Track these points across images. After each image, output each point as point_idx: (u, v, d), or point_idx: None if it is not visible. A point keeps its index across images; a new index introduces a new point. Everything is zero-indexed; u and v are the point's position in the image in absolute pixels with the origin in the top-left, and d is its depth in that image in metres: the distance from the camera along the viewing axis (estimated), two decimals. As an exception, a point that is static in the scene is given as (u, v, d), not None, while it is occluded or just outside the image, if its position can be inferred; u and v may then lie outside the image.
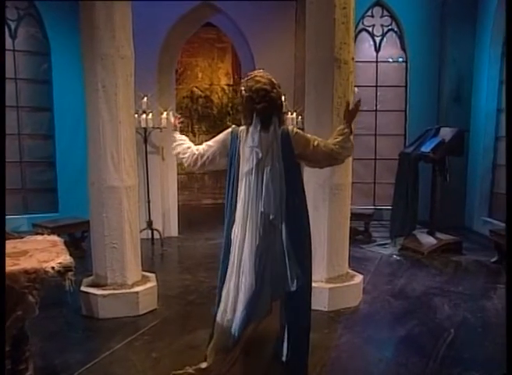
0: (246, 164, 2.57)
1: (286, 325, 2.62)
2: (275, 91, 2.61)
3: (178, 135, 2.94)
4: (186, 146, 2.85)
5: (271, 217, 2.52)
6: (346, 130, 2.72)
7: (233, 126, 2.74)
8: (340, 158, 2.75)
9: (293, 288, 2.56)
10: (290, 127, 2.73)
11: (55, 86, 7.01)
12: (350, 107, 2.81)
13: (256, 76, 2.65)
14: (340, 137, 2.72)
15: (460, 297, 4.48)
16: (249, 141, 2.58)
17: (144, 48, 5.55)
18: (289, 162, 2.59)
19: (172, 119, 3.03)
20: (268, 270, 2.54)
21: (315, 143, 2.67)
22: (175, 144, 2.90)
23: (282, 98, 2.68)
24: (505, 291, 2.93)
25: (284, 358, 2.63)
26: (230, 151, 2.65)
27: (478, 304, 4.31)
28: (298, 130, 2.70)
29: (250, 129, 2.60)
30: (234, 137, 2.65)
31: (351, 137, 2.72)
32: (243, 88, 2.65)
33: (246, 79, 2.69)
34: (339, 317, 4.03)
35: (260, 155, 2.54)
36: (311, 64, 4.15)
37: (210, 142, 2.77)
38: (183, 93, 9.86)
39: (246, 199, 2.55)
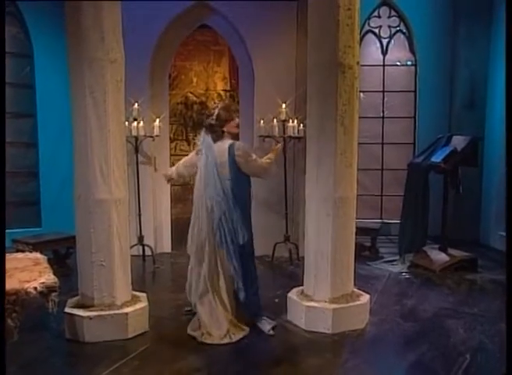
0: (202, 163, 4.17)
1: (240, 271, 4.12)
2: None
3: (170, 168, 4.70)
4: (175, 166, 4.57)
5: (210, 199, 4.12)
6: (272, 157, 4.30)
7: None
8: (265, 174, 4.28)
9: (242, 242, 4.13)
10: (237, 143, 4.19)
11: (38, 90, 7.05)
12: (277, 146, 4.55)
13: (215, 108, 4.22)
14: (268, 160, 4.26)
15: (476, 319, 4.47)
16: (207, 148, 4.17)
17: (135, 52, 5.60)
18: (233, 166, 4.07)
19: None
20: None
21: (253, 157, 4.15)
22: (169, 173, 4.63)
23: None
24: (506, 291, 2.97)
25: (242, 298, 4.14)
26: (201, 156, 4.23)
27: (495, 327, 4.28)
28: (242, 147, 4.16)
29: (209, 141, 4.18)
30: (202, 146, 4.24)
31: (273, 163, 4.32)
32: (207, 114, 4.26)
33: (210, 109, 4.36)
34: (344, 340, 4.02)
35: (211, 157, 4.11)
36: (313, 69, 4.18)
37: (189, 155, 4.51)
38: (177, 99, 9.88)
39: (197, 186, 4.21)
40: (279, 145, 4.58)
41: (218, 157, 4.08)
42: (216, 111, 4.17)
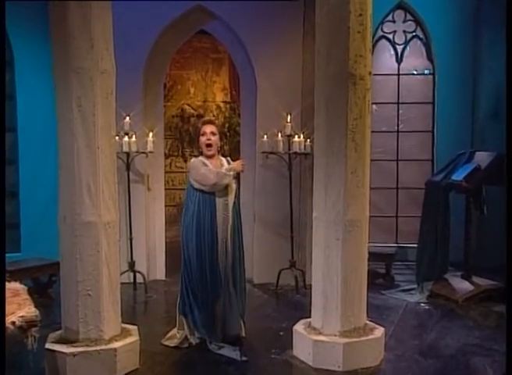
0: None
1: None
2: None
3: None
4: None
5: None
6: (228, 169, 4.45)
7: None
8: (209, 182, 4.37)
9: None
10: (196, 158, 4.54)
11: (19, 102, 7.04)
12: (241, 164, 4.57)
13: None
14: (224, 171, 4.42)
15: (506, 357, 4.43)
16: None
17: (127, 60, 5.67)
18: (188, 183, 4.53)
19: None
20: None
21: (195, 172, 4.41)
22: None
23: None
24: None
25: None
26: None
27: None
28: (194, 161, 4.50)
29: None
30: None
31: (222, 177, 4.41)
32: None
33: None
34: (357, 380, 3.99)
35: None
36: (321, 80, 4.22)
37: None
38: (173, 111, 9.94)
39: None
40: (239, 161, 4.65)
41: None
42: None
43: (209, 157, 4.53)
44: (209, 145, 4.50)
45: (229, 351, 4.39)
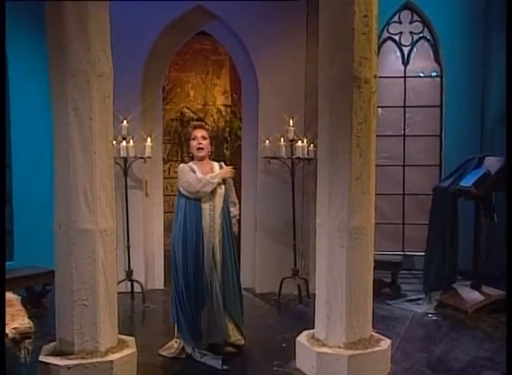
0: None
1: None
2: None
3: None
4: None
5: None
6: (213, 176, 4.51)
7: None
8: (193, 188, 4.47)
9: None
10: (185, 163, 4.71)
11: (12, 105, 7.02)
12: (228, 171, 4.67)
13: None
14: (209, 177, 4.51)
15: (517, 370, 4.41)
16: None
17: (125, 62, 5.69)
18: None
19: None
20: None
21: (182, 178, 4.52)
22: None
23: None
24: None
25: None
26: None
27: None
28: (182, 167, 4.62)
29: None
30: None
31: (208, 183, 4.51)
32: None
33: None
34: (363, 394, 3.97)
35: None
36: (324, 83, 4.23)
37: None
38: (172, 115, 9.96)
39: None
40: (228, 168, 4.75)
41: None
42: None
43: (200, 160, 4.64)
44: (200, 148, 4.62)
45: (211, 360, 4.41)
